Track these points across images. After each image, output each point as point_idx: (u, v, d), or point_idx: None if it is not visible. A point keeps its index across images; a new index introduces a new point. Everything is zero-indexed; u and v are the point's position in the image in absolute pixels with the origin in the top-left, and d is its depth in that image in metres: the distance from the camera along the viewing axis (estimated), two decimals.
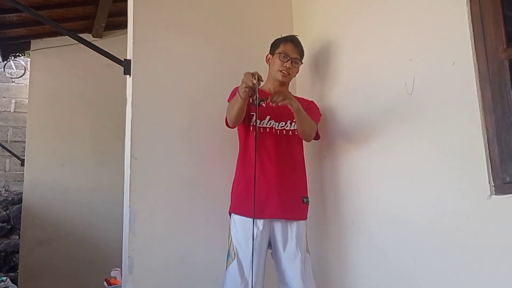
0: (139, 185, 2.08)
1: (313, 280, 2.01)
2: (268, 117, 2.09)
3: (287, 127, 2.11)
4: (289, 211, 2.02)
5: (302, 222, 2.04)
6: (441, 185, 1.69)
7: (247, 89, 1.82)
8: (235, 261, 1.92)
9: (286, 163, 2.07)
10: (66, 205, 4.08)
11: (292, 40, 2.17)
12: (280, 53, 2.12)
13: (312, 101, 2.24)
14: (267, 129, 2.08)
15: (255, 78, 1.79)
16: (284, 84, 2.18)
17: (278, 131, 2.10)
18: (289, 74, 2.14)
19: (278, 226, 2.00)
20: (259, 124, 2.05)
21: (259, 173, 1.95)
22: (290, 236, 2.00)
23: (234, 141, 2.19)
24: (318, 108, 2.23)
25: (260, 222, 1.95)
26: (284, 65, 2.10)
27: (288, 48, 2.14)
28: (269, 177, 2.00)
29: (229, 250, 1.97)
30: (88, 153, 4.22)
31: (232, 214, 2.02)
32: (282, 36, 2.19)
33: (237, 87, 2.11)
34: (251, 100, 1.86)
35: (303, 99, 2.23)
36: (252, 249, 1.85)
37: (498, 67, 1.55)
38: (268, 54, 2.22)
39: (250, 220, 1.89)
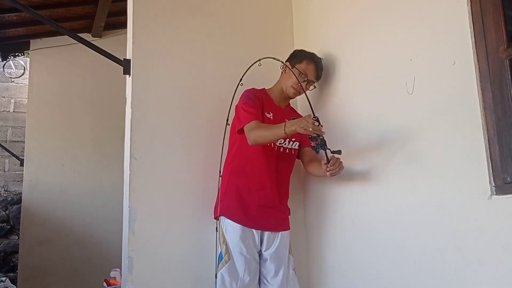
0: (139, 185, 2.07)
1: (296, 280, 2.08)
2: None
3: (290, 146, 2.14)
4: (280, 225, 2.10)
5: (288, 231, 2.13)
6: (441, 185, 1.69)
7: (304, 132, 1.77)
8: (230, 262, 1.95)
9: (282, 178, 2.13)
10: (66, 205, 4.07)
11: (317, 63, 2.16)
12: (300, 72, 2.11)
13: None
14: (272, 145, 2.08)
15: (318, 125, 1.73)
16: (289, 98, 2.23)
17: (280, 148, 2.12)
18: (299, 93, 2.16)
19: (267, 234, 2.06)
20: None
21: (258, 184, 2.04)
22: (275, 242, 2.05)
23: None
24: None
25: (253, 230, 2.01)
26: (299, 84, 2.08)
27: (310, 69, 2.13)
28: (266, 191, 2.06)
29: (221, 252, 1.99)
30: (88, 153, 4.21)
31: (225, 219, 2.02)
32: (308, 52, 2.19)
33: (253, 88, 2.12)
34: (312, 144, 1.80)
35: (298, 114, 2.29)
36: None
37: (499, 66, 1.55)
38: (286, 62, 2.17)
39: (244, 227, 1.98)
